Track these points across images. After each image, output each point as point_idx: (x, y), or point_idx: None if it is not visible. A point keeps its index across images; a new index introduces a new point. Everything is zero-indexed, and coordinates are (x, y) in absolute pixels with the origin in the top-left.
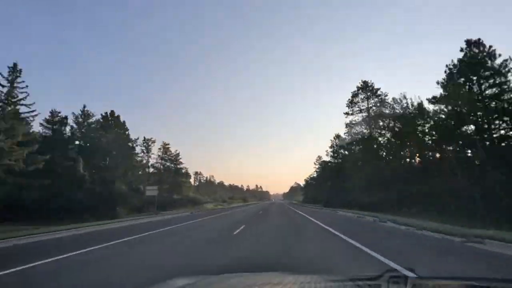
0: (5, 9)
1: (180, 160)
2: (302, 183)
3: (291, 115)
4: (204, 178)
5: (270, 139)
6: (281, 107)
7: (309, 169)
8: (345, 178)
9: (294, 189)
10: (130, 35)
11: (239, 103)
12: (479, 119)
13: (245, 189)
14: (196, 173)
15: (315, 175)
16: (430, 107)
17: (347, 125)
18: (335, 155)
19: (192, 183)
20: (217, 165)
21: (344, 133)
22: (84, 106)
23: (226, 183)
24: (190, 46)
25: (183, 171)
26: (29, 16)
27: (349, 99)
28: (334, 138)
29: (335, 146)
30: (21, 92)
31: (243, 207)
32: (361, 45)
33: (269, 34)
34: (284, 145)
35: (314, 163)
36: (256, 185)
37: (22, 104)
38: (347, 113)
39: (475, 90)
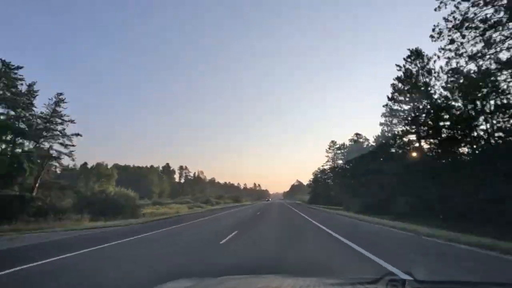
0: (5, 9)
1: (62, 112)
2: (305, 181)
3: (291, 115)
4: (192, 174)
5: (270, 139)
6: (281, 107)
7: (309, 169)
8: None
9: (296, 188)
10: (130, 35)
11: (239, 103)
12: None
13: (242, 187)
14: (181, 167)
15: (327, 166)
16: None
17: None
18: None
19: (177, 179)
20: (217, 164)
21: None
22: None
23: (221, 181)
24: (190, 46)
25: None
26: (29, 16)
27: None
28: (396, 81)
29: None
30: None
31: (213, 215)
32: (361, 45)
33: (269, 34)
34: (284, 145)
35: (327, 151)
36: (255, 183)
37: None
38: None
39: None
